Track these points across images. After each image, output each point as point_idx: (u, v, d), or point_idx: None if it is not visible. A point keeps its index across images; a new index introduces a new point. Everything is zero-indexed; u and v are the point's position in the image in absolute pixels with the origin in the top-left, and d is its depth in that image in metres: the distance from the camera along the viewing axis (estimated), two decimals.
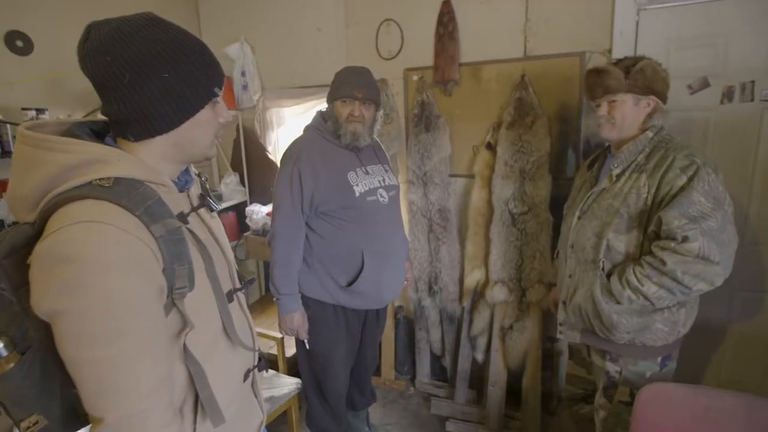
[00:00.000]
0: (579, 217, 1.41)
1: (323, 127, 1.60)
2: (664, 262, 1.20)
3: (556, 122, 1.99)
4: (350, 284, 1.58)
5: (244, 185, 2.81)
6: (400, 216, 1.77)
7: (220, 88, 0.74)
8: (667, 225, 1.20)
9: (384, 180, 1.65)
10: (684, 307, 1.32)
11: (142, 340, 0.63)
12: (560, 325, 1.48)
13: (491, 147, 2.08)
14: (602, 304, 1.31)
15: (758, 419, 1.18)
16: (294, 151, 1.56)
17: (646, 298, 1.24)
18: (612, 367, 1.39)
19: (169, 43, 0.68)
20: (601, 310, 1.31)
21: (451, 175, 2.24)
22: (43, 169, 0.64)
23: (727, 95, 1.72)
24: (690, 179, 1.20)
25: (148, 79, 0.66)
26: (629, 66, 1.30)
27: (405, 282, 1.81)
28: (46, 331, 0.63)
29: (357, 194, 1.55)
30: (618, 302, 1.29)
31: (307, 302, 1.62)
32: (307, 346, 1.65)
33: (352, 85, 1.53)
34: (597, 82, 1.33)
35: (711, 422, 1.22)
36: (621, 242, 1.30)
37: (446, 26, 2.09)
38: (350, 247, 1.57)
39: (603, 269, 1.32)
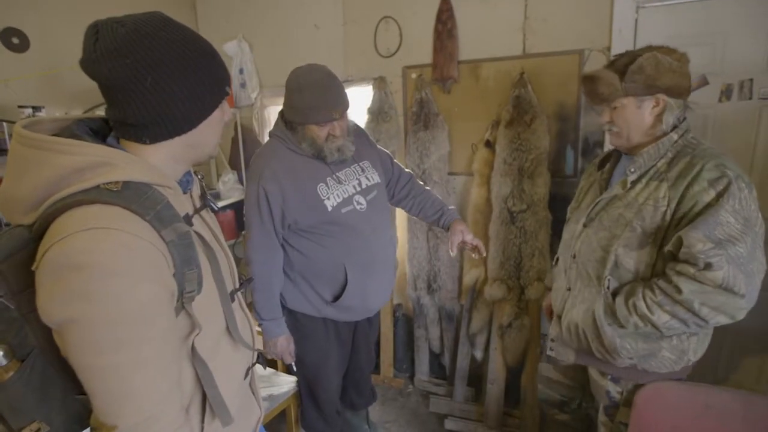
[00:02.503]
0: (585, 225, 1.26)
1: (285, 135, 1.44)
2: (679, 290, 1.04)
3: (554, 120, 1.98)
4: (336, 299, 1.52)
5: (242, 183, 2.80)
6: (384, 215, 1.61)
7: (229, 87, 0.75)
8: (688, 248, 1.03)
9: (360, 183, 1.51)
10: (696, 335, 1.18)
11: (154, 345, 0.63)
12: (552, 341, 1.35)
13: (490, 145, 2.07)
14: (605, 326, 1.17)
15: (757, 417, 1.18)
16: (257, 167, 1.43)
17: (654, 326, 1.10)
18: (613, 388, 1.29)
19: (187, 43, 0.67)
20: (603, 332, 1.18)
21: (450, 173, 2.23)
22: (44, 171, 0.62)
23: (726, 93, 1.72)
24: (719, 195, 1.03)
25: (171, 80, 0.66)
26: (626, 65, 1.13)
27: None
28: (46, 337, 0.62)
29: (329, 209, 1.42)
30: (622, 326, 1.16)
31: (295, 315, 1.57)
32: (294, 369, 1.60)
33: (327, 108, 1.35)
34: (591, 90, 1.19)
35: (710, 420, 1.22)
36: (631, 259, 1.15)
37: (445, 24, 2.08)
38: (331, 261, 1.48)
39: (608, 287, 1.18)
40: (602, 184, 1.30)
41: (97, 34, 0.64)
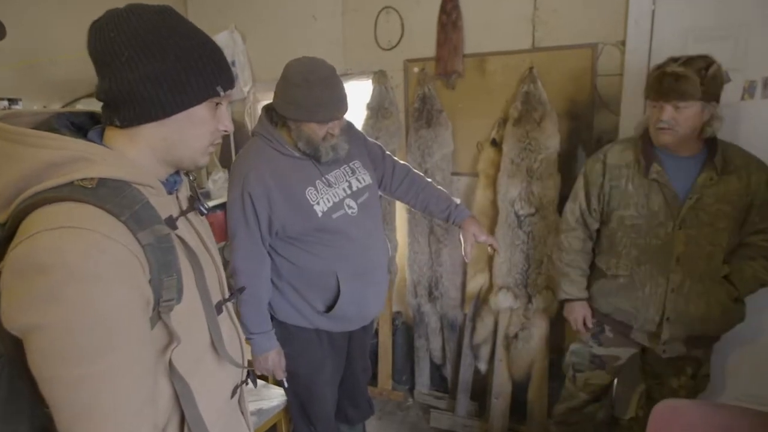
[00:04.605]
0: (679, 228, 1.41)
1: (271, 134, 1.40)
2: None
3: (565, 118, 1.95)
4: (329, 309, 1.48)
5: None
6: (377, 218, 1.60)
7: (224, 90, 0.73)
8: None
9: (351, 186, 1.49)
10: None
11: (126, 357, 0.60)
12: (664, 344, 1.50)
13: (496, 144, 2.04)
14: (734, 307, 1.45)
15: None
16: (240, 170, 1.38)
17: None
18: (700, 352, 1.55)
19: (177, 30, 0.69)
20: (732, 310, 1.46)
21: (454, 174, 2.20)
22: (19, 165, 0.61)
23: (749, 91, 1.69)
24: None
25: (146, 59, 0.66)
26: (701, 70, 1.31)
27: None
28: (14, 345, 0.60)
29: (320, 215, 1.40)
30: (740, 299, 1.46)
31: (285, 326, 1.53)
32: (285, 385, 1.56)
33: (333, 107, 1.34)
34: (673, 87, 1.31)
35: None
36: (729, 243, 1.44)
37: (449, 15, 2.06)
38: (322, 270, 1.45)
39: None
40: (667, 185, 1.42)
41: (104, 14, 0.68)
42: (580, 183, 1.61)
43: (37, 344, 0.57)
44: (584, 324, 1.64)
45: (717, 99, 1.35)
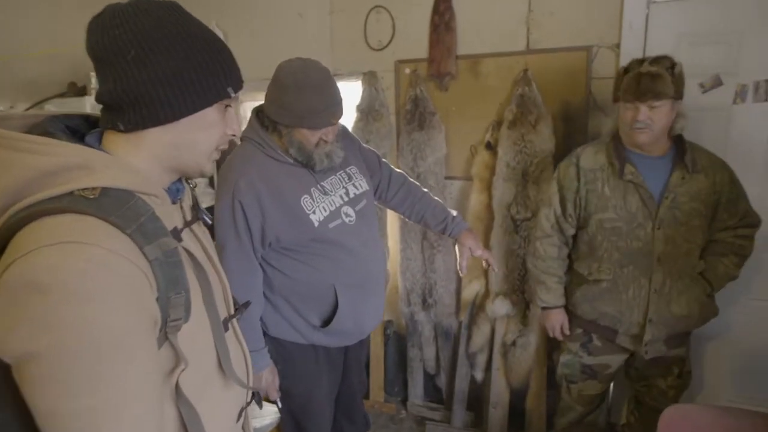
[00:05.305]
0: (658, 228, 1.44)
1: (262, 139, 1.35)
2: (749, 248, 1.52)
3: (560, 121, 1.97)
4: (325, 324, 1.43)
5: (214, 187, 2.67)
6: (374, 226, 1.56)
7: (235, 91, 0.71)
8: (749, 215, 1.51)
9: (348, 192, 1.45)
10: None
11: (132, 385, 0.56)
12: (646, 345, 1.51)
13: (491, 147, 2.04)
14: (709, 303, 1.51)
15: None
16: (230, 177, 1.33)
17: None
18: (683, 350, 1.60)
19: (186, 26, 0.66)
20: (709, 307, 1.52)
21: (447, 177, 2.19)
22: (11, 173, 0.57)
23: (740, 95, 1.73)
24: (731, 175, 1.49)
25: (155, 58, 0.63)
26: (669, 69, 1.36)
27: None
28: (2, 372, 0.55)
29: (316, 224, 1.35)
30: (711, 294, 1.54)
31: (279, 343, 1.47)
32: (279, 405, 1.50)
33: (327, 114, 1.29)
34: (650, 87, 1.35)
35: None
36: (704, 240, 1.51)
37: (442, 15, 2.04)
38: (319, 283, 1.40)
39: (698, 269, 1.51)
40: (642, 185, 1.46)
41: (104, 10, 0.65)
42: (553, 188, 1.61)
43: (33, 374, 0.53)
44: (561, 331, 1.68)
45: (682, 97, 1.42)
